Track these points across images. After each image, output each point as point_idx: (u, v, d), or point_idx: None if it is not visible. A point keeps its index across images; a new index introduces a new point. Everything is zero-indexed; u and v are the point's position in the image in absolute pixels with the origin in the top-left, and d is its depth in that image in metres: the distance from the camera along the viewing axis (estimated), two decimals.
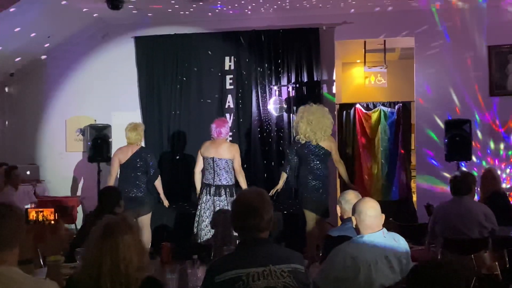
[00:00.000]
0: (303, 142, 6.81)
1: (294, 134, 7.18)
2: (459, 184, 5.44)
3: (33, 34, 8.42)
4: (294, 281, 2.75)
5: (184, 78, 9.11)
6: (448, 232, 5.26)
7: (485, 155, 8.48)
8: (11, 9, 6.92)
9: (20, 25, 7.85)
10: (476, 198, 6.53)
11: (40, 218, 2.98)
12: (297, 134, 6.89)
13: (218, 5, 8.42)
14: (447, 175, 8.42)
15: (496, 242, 5.16)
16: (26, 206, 6.63)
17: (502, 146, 8.47)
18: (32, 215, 2.95)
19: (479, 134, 8.44)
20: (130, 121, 7.37)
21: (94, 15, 8.80)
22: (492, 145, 8.47)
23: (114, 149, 8.55)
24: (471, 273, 4.04)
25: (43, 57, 9.30)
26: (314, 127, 6.74)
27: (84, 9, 8.45)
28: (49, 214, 2.96)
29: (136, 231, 2.58)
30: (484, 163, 8.41)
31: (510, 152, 8.47)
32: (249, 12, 8.81)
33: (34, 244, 3.12)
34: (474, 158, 8.18)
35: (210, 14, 8.89)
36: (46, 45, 9.06)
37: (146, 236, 6.94)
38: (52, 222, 2.82)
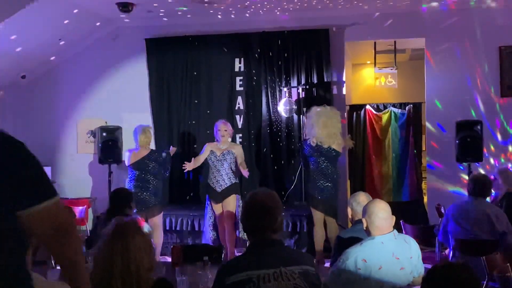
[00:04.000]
0: (314, 144, 6.81)
1: (305, 135, 7.16)
2: (480, 186, 5.41)
3: (44, 37, 8.47)
4: (305, 283, 2.74)
5: (194, 80, 9.13)
6: (460, 233, 5.24)
7: (496, 156, 8.43)
8: (22, 11, 6.95)
9: (31, 27, 7.90)
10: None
11: None
12: (310, 136, 6.88)
13: (229, 6, 8.43)
14: (458, 176, 8.39)
15: (508, 243, 5.13)
16: None
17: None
18: None
19: (490, 135, 8.39)
20: (141, 123, 7.41)
21: (105, 18, 8.84)
22: (503, 146, 8.42)
23: (124, 150, 8.62)
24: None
25: (52, 57, 9.34)
26: (330, 131, 6.78)
27: (95, 12, 8.49)
28: None
29: (147, 232, 2.59)
30: (495, 164, 8.36)
31: None
32: (259, 13, 8.81)
33: None
34: (485, 160, 8.14)
35: (220, 16, 8.90)
36: (58, 48, 9.11)
37: (158, 237, 6.98)
38: None
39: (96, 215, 8.98)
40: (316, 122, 6.81)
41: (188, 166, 7.02)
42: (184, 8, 8.52)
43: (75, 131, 9.63)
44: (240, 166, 7.01)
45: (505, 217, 5.34)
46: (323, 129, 6.77)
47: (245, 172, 6.94)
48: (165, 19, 9.03)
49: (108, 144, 8.69)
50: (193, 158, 7.04)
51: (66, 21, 8.26)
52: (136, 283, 2.44)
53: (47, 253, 3.06)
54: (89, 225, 8.65)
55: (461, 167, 8.30)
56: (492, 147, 8.39)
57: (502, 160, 8.38)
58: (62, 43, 8.97)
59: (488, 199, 5.82)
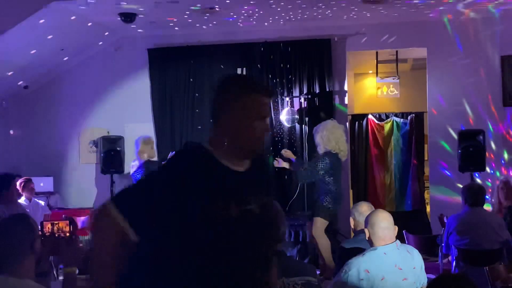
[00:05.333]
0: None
1: (323, 149, 7.07)
2: (476, 195, 5.41)
3: (46, 47, 8.49)
4: None
5: (197, 90, 9.14)
6: (463, 244, 5.22)
7: (499, 165, 8.41)
8: (25, 22, 6.98)
9: (34, 38, 7.93)
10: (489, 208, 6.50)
11: (56, 230, 2.97)
12: (327, 148, 6.93)
13: (230, 17, 8.46)
14: (460, 186, 8.37)
15: (511, 253, 5.12)
16: (41, 220, 6.71)
17: None
18: (48, 227, 2.94)
19: (493, 144, 8.37)
20: (143, 133, 7.42)
21: (108, 28, 8.87)
22: (506, 155, 8.40)
23: (127, 161, 8.62)
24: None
25: (54, 68, 9.36)
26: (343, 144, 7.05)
27: (97, 22, 8.52)
28: (64, 226, 2.96)
29: None
30: (498, 173, 8.34)
31: None
32: (261, 23, 8.83)
33: (50, 256, 3.14)
34: (487, 169, 8.12)
35: (222, 26, 8.92)
36: (60, 58, 9.13)
37: None
38: (68, 234, 2.81)
39: None
40: (333, 134, 7.03)
41: None
42: (189, 19, 8.54)
43: (78, 141, 9.64)
44: None
45: (505, 225, 5.33)
46: (341, 143, 7.09)
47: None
48: (167, 29, 9.05)
49: (111, 154, 8.69)
50: None
51: (68, 31, 8.29)
52: None
53: (49, 265, 3.06)
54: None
55: (464, 177, 8.28)
56: (494, 157, 8.38)
57: (504, 169, 8.37)
58: (64, 54, 8.99)
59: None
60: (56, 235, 3.01)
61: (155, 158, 7.25)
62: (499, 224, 5.27)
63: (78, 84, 9.56)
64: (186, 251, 2.06)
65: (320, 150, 7.05)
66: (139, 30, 9.00)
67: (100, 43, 9.35)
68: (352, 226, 4.30)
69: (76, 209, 8.92)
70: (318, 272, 2.95)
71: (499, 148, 8.41)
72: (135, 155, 7.08)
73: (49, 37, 8.14)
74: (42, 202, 8.12)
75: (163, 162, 2.51)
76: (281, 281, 2.71)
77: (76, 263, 3.03)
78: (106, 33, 9.07)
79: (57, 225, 2.93)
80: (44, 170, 9.37)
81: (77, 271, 3.05)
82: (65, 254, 3.01)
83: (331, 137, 6.96)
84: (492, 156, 8.34)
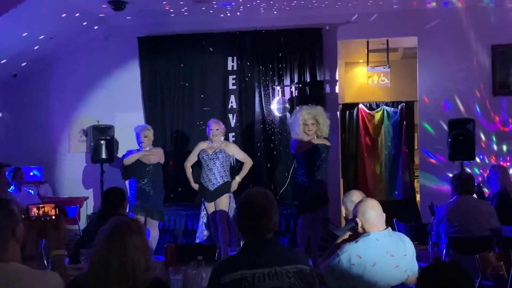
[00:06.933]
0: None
1: (321, 134, 6.95)
2: (466, 183, 5.42)
3: (36, 35, 8.41)
4: (300, 282, 2.74)
5: (187, 79, 9.11)
6: (453, 232, 5.24)
7: (489, 154, 8.46)
8: (14, 10, 6.92)
9: (23, 26, 7.85)
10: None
11: (42, 213, 2.97)
12: (322, 135, 6.86)
13: (221, 3, 8.42)
14: (450, 175, 8.40)
15: (501, 241, 5.15)
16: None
17: (505, 145, 8.45)
18: (34, 211, 2.93)
19: (482, 133, 8.42)
20: (133, 121, 7.39)
21: (98, 16, 8.80)
22: (495, 144, 8.45)
23: (119, 149, 8.61)
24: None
25: (44, 56, 9.29)
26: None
27: (87, 10, 8.45)
28: (50, 209, 2.94)
29: (144, 233, 2.58)
30: (487, 162, 8.39)
31: None
32: (252, 12, 8.80)
33: (37, 240, 3.14)
34: (477, 158, 8.17)
35: (213, 14, 8.88)
36: (50, 46, 9.06)
37: (154, 236, 6.98)
38: (54, 217, 2.80)
39: (88, 214, 8.95)
40: (327, 120, 6.91)
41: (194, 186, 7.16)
42: (180, 7, 8.49)
43: (67, 130, 9.59)
44: (238, 176, 7.06)
45: (495, 213, 5.36)
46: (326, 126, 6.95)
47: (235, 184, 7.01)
48: (157, 17, 8.99)
49: (100, 143, 8.66)
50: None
51: (57, 20, 8.22)
52: (132, 283, 2.42)
53: (36, 249, 3.05)
54: (81, 225, 8.61)
55: (454, 165, 8.32)
56: (483, 145, 8.42)
57: (494, 158, 8.42)
58: (54, 41, 8.91)
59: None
60: (42, 218, 3.00)
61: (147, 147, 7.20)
62: (489, 211, 5.30)
63: (68, 73, 9.50)
64: None
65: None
66: (128, 18, 8.94)
67: (90, 32, 9.27)
68: (344, 215, 4.30)
69: (66, 198, 8.89)
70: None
71: (489, 137, 8.45)
72: (137, 144, 7.06)
73: (39, 25, 8.07)
74: (31, 192, 8.09)
75: None
76: (273, 270, 2.71)
77: (63, 245, 3.03)
78: (96, 22, 9.00)
79: (43, 209, 2.92)
80: (34, 160, 9.32)
81: (65, 253, 3.05)
82: (52, 237, 3.01)
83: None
84: (482, 145, 8.38)
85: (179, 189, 8.69)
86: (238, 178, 7.03)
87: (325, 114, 6.94)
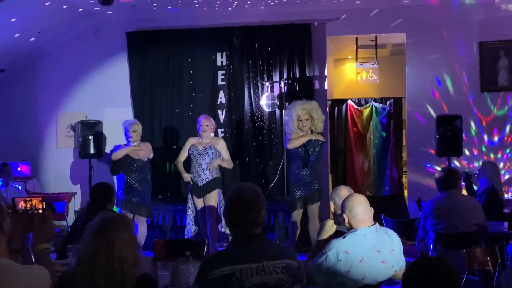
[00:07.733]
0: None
1: (315, 129, 6.87)
2: (452, 179, 5.44)
3: (23, 30, 8.35)
4: (287, 277, 2.75)
5: (176, 74, 9.09)
6: (440, 227, 5.27)
7: (476, 150, 8.52)
8: (1, 4, 6.85)
9: (10, 20, 7.79)
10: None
11: (29, 207, 2.96)
12: (316, 130, 6.82)
13: (211, 0, 8.40)
14: (439, 169, 8.46)
15: (488, 237, 5.18)
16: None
17: (492, 141, 8.50)
18: (21, 204, 2.93)
19: (470, 129, 8.47)
20: (121, 117, 7.36)
21: (86, 11, 8.74)
22: (482, 140, 8.51)
23: (107, 145, 8.57)
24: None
25: (31, 51, 9.22)
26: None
27: (75, 4, 8.40)
28: (37, 203, 2.94)
29: (132, 228, 2.57)
30: (475, 158, 8.45)
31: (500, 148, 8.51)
32: (242, 7, 8.79)
33: (23, 234, 3.13)
34: (465, 154, 8.22)
35: (202, 9, 8.86)
36: (37, 41, 8.99)
37: (142, 231, 6.95)
38: (40, 211, 2.80)
39: (76, 210, 8.92)
40: (321, 116, 6.86)
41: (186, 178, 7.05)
42: (169, 2, 8.46)
43: (55, 125, 9.54)
44: (223, 163, 6.96)
45: (481, 208, 5.39)
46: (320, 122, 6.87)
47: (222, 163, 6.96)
48: (146, 12, 8.96)
49: (88, 139, 8.62)
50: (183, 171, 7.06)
51: (45, 14, 8.16)
52: (119, 279, 2.42)
53: (22, 242, 3.06)
54: (69, 220, 8.58)
55: (442, 161, 8.37)
56: (471, 142, 8.48)
57: (481, 154, 8.47)
58: (42, 36, 8.85)
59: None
60: (30, 212, 3.00)
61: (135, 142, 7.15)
62: (475, 207, 5.32)
63: (56, 67, 9.45)
64: None
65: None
66: (118, 14, 8.90)
67: (79, 26, 9.22)
68: (332, 210, 4.31)
69: (54, 194, 8.85)
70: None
71: (477, 133, 8.51)
72: (125, 139, 6.99)
73: (27, 19, 8.01)
74: (19, 187, 8.04)
75: None
76: (261, 265, 2.71)
77: (50, 240, 3.03)
78: (85, 16, 8.95)
79: (30, 202, 2.91)
80: (21, 155, 9.27)
81: (51, 249, 3.04)
82: (38, 231, 3.01)
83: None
84: (469, 141, 8.43)
85: (167, 184, 8.68)
86: (219, 161, 6.94)
87: (320, 109, 6.90)
